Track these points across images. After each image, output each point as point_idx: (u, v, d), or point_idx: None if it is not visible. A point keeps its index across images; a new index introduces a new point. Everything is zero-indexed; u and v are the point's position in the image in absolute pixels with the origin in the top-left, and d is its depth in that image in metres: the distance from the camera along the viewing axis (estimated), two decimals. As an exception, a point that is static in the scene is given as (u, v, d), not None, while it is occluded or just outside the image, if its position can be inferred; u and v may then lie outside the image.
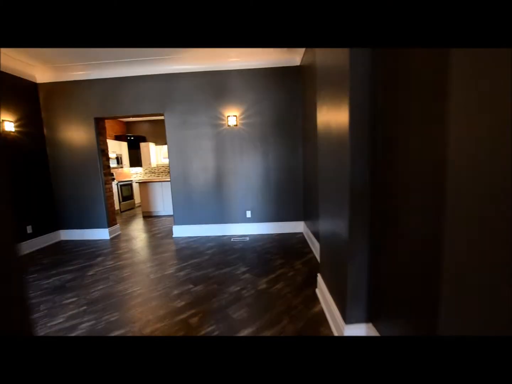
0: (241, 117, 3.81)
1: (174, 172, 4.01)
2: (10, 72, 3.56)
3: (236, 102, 3.80)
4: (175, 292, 2.29)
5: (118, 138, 7.67)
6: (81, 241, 4.13)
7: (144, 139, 8.12)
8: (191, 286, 2.39)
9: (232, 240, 3.76)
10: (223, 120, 3.82)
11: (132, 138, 7.84)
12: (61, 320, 1.95)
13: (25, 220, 3.69)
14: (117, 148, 7.21)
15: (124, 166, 7.52)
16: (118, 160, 7.26)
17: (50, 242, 4.07)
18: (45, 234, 4.01)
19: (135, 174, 8.36)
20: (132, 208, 7.30)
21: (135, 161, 7.98)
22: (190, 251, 3.37)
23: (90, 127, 3.98)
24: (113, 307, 2.10)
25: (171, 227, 4.04)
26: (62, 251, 3.65)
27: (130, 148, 7.84)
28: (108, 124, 7.25)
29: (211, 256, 3.13)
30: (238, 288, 2.30)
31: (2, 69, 3.44)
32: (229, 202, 3.98)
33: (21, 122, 3.69)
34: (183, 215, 4.07)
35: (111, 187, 4.36)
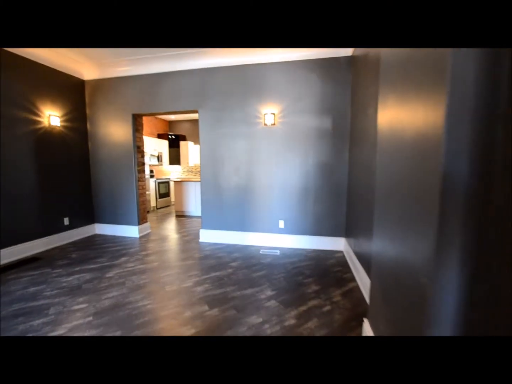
0: (280, 115, 3.40)
1: (205, 173, 3.77)
2: (61, 70, 3.70)
3: (275, 99, 3.40)
4: (187, 313, 1.97)
5: (160, 136, 7.88)
6: (112, 237, 4.14)
7: (184, 138, 8.22)
8: (206, 308, 2.04)
9: (260, 252, 3.36)
10: (259, 118, 3.45)
11: (173, 136, 7.99)
12: (63, 331, 1.77)
13: (63, 212, 3.80)
14: (158, 146, 7.38)
15: (163, 164, 7.68)
16: (159, 158, 7.43)
17: (85, 235, 4.16)
18: (81, 226, 4.11)
19: (174, 172, 8.53)
20: (168, 206, 7.40)
21: (175, 159, 8.12)
22: (214, 261, 3.06)
23: (128, 123, 3.96)
24: (118, 322, 1.86)
25: (199, 230, 3.83)
26: (92, 246, 3.66)
27: (170, 146, 8.00)
28: (151, 122, 7.47)
29: (235, 270, 2.78)
30: (260, 320, 1.88)
31: (53, 67, 3.59)
32: (261, 209, 3.59)
33: (67, 117, 3.82)
34: (211, 219, 3.81)
35: (145, 184, 4.32)
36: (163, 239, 4.01)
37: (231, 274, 2.69)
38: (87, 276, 2.65)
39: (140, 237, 4.10)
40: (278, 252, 3.33)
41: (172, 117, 7.86)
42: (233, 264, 2.95)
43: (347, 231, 3.29)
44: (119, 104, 3.99)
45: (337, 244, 3.43)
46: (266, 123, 3.39)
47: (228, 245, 3.64)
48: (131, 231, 4.16)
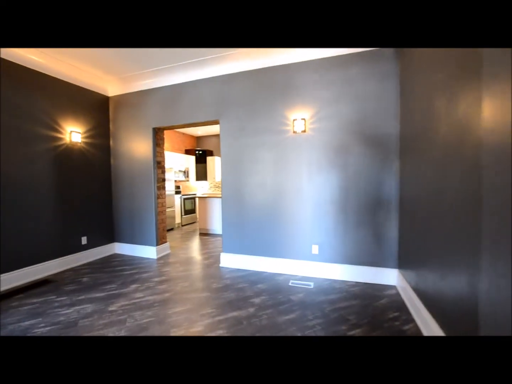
0: (311, 120, 2.90)
1: (226, 188, 3.36)
2: (85, 87, 3.68)
3: (305, 102, 2.92)
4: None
5: (187, 152, 7.82)
6: (129, 257, 3.87)
7: (211, 153, 8.08)
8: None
9: (290, 284, 2.77)
10: (287, 125, 2.99)
11: (200, 152, 7.89)
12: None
13: (81, 231, 3.63)
14: (185, 162, 7.29)
15: (190, 179, 7.55)
16: (186, 173, 7.32)
17: (103, 255, 3.95)
18: (99, 246, 3.92)
19: (201, 188, 8.36)
20: (194, 223, 7.14)
21: (202, 175, 7.97)
22: (233, 294, 2.55)
23: (148, 137, 3.78)
24: None
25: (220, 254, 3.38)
26: (106, 268, 3.40)
27: (197, 162, 7.89)
28: (179, 138, 7.46)
29: (258, 310, 2.23)
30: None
31: (78, 84, 3.57)
32: (290, 231, 3.04)
33: (90, 133, 3.74)
34: (233, 242, 3.34)
35: (164, 201, 4.05)
36: (182, 262, 3.62)
37: (252, 316, 2.14)
38: (89, 308, 2.31)
39: (158, 259, 3.76)
40: (311, 285, 2.71)
41: (199, 132, 7.79)
42: (256, 300, 2.41)
43: (401, 261, 2.57)
44: (140, 118, 3.84)
45: (388, 277, 2.71)
46: (295, 130, 2.91)
47: (252, 273, 3.11)
48: (149, 252, 3.86)
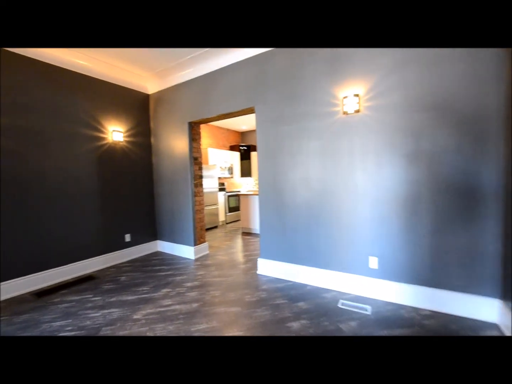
0: (367, 96, 2.24)
1: (263, 185, 2.95)
2: (126, 86, 3.70)
3: (359, 73, 2.27)
4: None
5: (232, 148, 7.68)
6: (169, 256, 3.81)
7: (256, 149, 7.77)
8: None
9: (340, 305, 2.21)
10: (335, 105, 2.39)
11: (244, 147, 7.65)
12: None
13: (125, 228, 3.69)
14: (229, 158, 7.15)
15: (234, 176, 7.39)
16: (230, 170, 7.18)
17: (146, 253, 3.99)
18: (143, 243, 3.96)
19: (245, 185, 8.16)
20: (238, 220, 6.95)
21: (246, 171, 7.74)
22: (268, 313, 2.13)
23: (184, 133, 3.61)
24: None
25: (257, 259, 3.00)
26: (146, 267, 3.36)
27: (242, 158, 7.68)
28: (224, 134, 7.34)
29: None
30: None
31: (120, 83, 3.60)
32: (341, 236, 2.46)
33: (131, 132, 3.77)
34: (272, 247, 2.91)
35: (202, 200, 3.86)
36: (218, 265, 3.37)
37: (288, 346, 1.69)
38: (116, 313, 2.19)
39: (196, 260, 3.60)
40: (368, 310, 2.10)
41: (244, 127, 7.55)
42: (295, 325, 1.94)
43: (507, 288, 1.76)
44: (176, 113, 3.70)
45: (484, 309, 1.91)
46: (345, 111, 2.30)
47: (293, 285, 2.63)
48: (187, 252, 3.73)
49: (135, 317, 2.12)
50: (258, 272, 3.00)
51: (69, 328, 1.99)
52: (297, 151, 2.64)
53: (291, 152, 2.68)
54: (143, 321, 2.05)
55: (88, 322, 2.06)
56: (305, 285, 2.61)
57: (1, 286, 2.55)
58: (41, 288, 2.77)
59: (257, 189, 7.71)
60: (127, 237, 3.73)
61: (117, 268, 3.36)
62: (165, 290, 2.62)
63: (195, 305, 2.29)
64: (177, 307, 2.27)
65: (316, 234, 2.57)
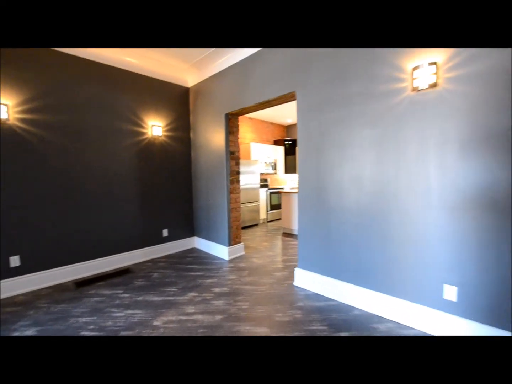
0: (449, 64, 1.61)
1: (304, 184, 2.51)
2: (166, 80, 3.65)
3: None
4: None
5: (276, 142, 7.30)
6: (204, 254, 3.68)
7: (301, 143, 7.24)
8: None
9: (398, 343, 1.67)
10: (401, 81, 1.81)
11: (289, 142, 7.20)
12: None
13: (162, 223, 3.68)
14: (273, 153, 6.80)
15: (278, 172, 7.01)
16: (274, 166, 6.84)
17: (183, 248, 3.94)
18: (180, 239, 3.92)
19: (290, 181, 7.71)
20: (280, 219, 6.58)
21: (291, 167, 7.29)
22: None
23: (221, 125, 3.39)
24: None
25: (295, 269, 2.59)
26: (179, 264, 3.27)
27: (287, 153, 7.25)
28: (268, 128, 7.01)
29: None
30: None
31: (160, 78, 3.56)
32: (403, 252, 1.89)
33: (170, 126, 3.72)
34: (312, 257, 2.47)
35: (238, 197, 3.60)
36: (252, 269, 3.07)
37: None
38: (138, 316, 2.07)
39: (229, 261, 3.38)
40: (442, 358, 1.53)
41: (289, 120, 7.08)
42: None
43: None
44: (213, 105, 3.50)
45: None
46: (416, 86, 1.71)
47: (336, 306, 2.17)
48: (221, 252, 3.54)
49: (155, 323, 1.96)
50: (295, 283, 2.60)
51: (91, 327, 1.93)
52: (346, 143, 2.14)
53: (338, 144, 2.19)
54: (162, 330, 1.87)
55: (109, 323, 1.98)
56: (352, 308, 2.12)
57: (50, 272, 2.71)
58: (82, 278, 2.89)
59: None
60: (165, 232, 3.72)
61: (153, 263, 3.36)
62: (191, 294, 2.43)
63: (218, 317, 2.03)
64: (199, 317, 2.04)
65: (369, 248, 2.04)
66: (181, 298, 2.37)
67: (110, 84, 3.10)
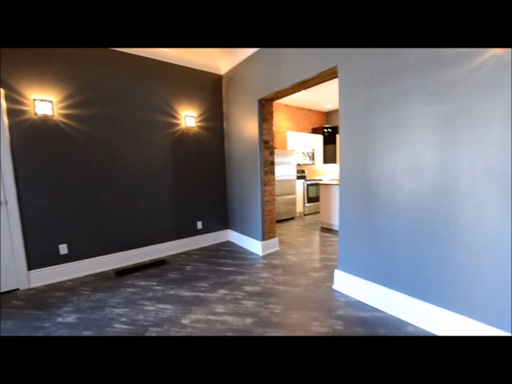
0: None
1: (345, 173, 2.18)
2: (199, 68, 3.54)
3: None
4: None
5: (314, 130, 6.84)
6: (238, 248, 3.58)
7: (343, 130, 6.66)
8: None
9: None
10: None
11: (329, 130, 6.67)
12: None
13: (197, 215, 3.66)
14: (311, 142, 6.38)
15: (316, 162, 6.58)
16: (312, 156, 6.43)
17: (217, 241, 3.89)
18: (214, 231, 3.88)
19: (329, 172, 7.21)
20: (318, 212, 6.20)
21: (331, 157, 6.77)
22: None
23: (254, 112, 3.17)
24: None
25: (335, 270, 2.29)
26: (212, 258, 3.22)
27: (326, 142, 6.74)
28: (306, 116, 6.59)
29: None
30: None
31: (192, 66, 3.47)
32: (477, 264, 1.48)
33: (203, 116, 3.63)
34: (355, 258, 2.15)
35: (273, 189, 3.38)
36: (286, 267, 2.86)
37: None
38: (167, 312, 2.03)
39: (263, 257, 3.21)
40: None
41: (329, 105, 6.54)
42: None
43: None
44: (246, 91, 3.29)
45: None
46: (510, 41, 1.26)
47: (385, 319, 1.84)
48: (254, 246, 3.39)
49: (183, 321, 1.89)
50: (335, 287, 2.31)
51: (123, 319, 1.93)
52: (401, 123, 1.74)
53: (391, 125, 1.80)
54: (189, 329, 1.78)
55: (140, 317, 1.97)
56: (404, 323, 1.77)
57: (93, 261, 2.86)
58: (122, 267, 3.00)
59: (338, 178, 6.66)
60: (199, 224, 3.70)
61: (187, 255, 3.36)
62: (222, 291, 2.32)
63: (248, 320, 1.87)
64: (229, 318, 1.91)
65: (430, 252, 1.66)
66: (211, 295, 2.27)
67: (144, 75, 3.08)
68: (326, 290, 2.29)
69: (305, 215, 6.00)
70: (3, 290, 2.47)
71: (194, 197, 3.61)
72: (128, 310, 2.07)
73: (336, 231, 4.35)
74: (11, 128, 2.40)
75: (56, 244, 2.68)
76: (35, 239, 2.57)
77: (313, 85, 2.60)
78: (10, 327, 1.88)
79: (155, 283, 2.55)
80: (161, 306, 2.12)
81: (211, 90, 3.70)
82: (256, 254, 3.30)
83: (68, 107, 2.65)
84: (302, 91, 4.70)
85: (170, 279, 2.63)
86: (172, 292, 2.35)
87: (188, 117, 3.44)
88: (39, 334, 1.78)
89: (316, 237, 4.10)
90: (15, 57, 2.36)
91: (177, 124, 3.39)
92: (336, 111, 6.88)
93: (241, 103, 3.41)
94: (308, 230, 4.53)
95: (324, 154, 6.79)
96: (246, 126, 3.34)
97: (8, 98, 2.38)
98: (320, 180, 6.38)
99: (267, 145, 3.25)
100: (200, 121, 3.60)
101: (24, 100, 2.44)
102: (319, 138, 6.61)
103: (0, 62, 2.29)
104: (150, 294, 2.33)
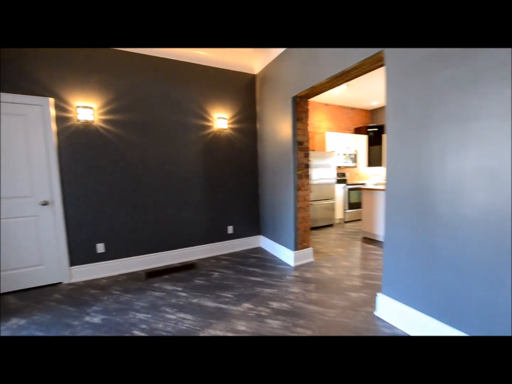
0: None
1: (394, 178, 1.81)
2: (232, 69, 3.46)
3: None
4: None
5: (357, 130, 6.29)
6: (269, 256, 3.37)
7: (391, 129, 5.98)
8: None
9: None
10: None
11: (374, 129, 6.06)
12: None
13: (227, 219, 3.56)
14: (353, 143, 5.87)
15: (359, 165, 6.03)
16: (354, 158, 5.91)
17: (248, 247, 3.74)
18: (246, 237, 3.74)
19: (374, 176, 6.55)
20: (360, 220, 5.64)
21: (376, 159, 6.14)
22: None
23: (288, 111, 2.95)
24: None
25: (377, 294, 1.90)
26: (241, 265, 3.07)
27: (371, 143, 6.14)
28: (347, 115, 6.10)
29: None
30: None
31: (226, 67, 3.40)
32: None
33: (236, 118, 3.53)
34: (404, 281, 1.76)
35: (307, 195, 3.10)
36: (320, 283, 2.55)
37: None
38: (187, 323, 1.92)
39: (295, 268, 2.95)
40: None
41: (374, 103, 5.94)
42: None
43: None
44: (279, 89, 3.08)
45: None
46: None
47: (444, 363, 1.44)
48: (286, 255, 3.14)
49: (201, 335, 1.75)
50: (377, 313, 1.95)
51: (143, 326, 1.88)
52: (471, 114, 1.35)
53: (457, 116, 1.41)
54: (206, 347, 1.63)
55: (160, 325, 1.89)
56: (475, 375, 1.35)
57: (126, 260, 2.95)
58: (152, 268, 3.04)
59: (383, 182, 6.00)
60: (230, 229, 3.59)
61: (217, 260, 3.27)
62: (246, 305, 2.14)
63: (271, 344, 1.65)
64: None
65: (506, 280, 1.23)
66: (234, 308, 2.10)
67: (178, 79, 3.10)
68: (366, 316, 1.93)
69: (345, 222, 5.51)
70: (49, 282, 2.66)
71: (225, 200, 3.52)
72: (149, 316, 2.02)
73: (381, 242, 3.84)
74: (58, 133, 2.59)
75: (94, 242, 2.81)
76: (76, 237, 2.73)
77: (353, 77, 2.27)
78: (45, 321, 1.98)
79: (180, 289, 2.49)
80: (181, 315, 2.02)
81: (244, 91, 3.58)
82: (287, 265, 3.05)
83: (107, 112, 2.77)
84: (344, 86, 4.30)
85: (195, 286, 2.55)
86: (195, 300, 2.25)
87: (220, 119, 3.37)
88: (66, 333, 1.82)
89: (357, 248, 3.66)
90: (63, 68, 2.54)
91: (209, 127, 3.35)
92: (382, 108, 6.22)
93: (274, 103, 3.21)
94: (348, 240, 4.10)
95: (369, 156, 6.19)
96: (279, 127, 3.13)
97: (56, 106, 2.56)
98: (363, 184, 5.82)
99: (301, 146, 2.98)
100: (232, 123, 3.50)
101: (69, 108, 2.61)
102: (363, 138, 6.04)
103: (0, 63, 2.32)
104: (173, 300, 2.27)
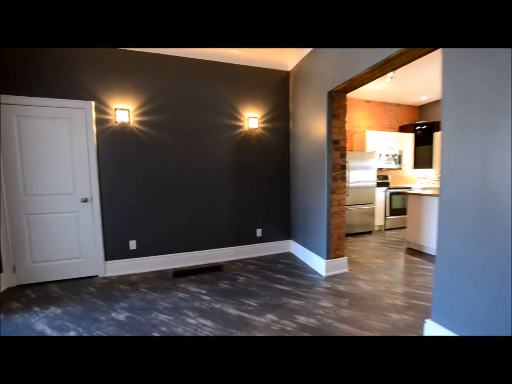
0: None
1: (451, 182, 1.49)
2: (264, 66, 3.34)
3: None
4: None
5: (402, 129, 5.70)
6: (299, 263, 3.17)
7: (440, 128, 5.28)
8: None
9: None
10: None
11: (422, 127, 5.42)
12: None
13: (256, 222, 3.45)
14: (397, 143, 5.33)
15: (403, 167, 5.45)
16: (398, 159, 5.36)
17: (277, 251, 3.58)
18: (275, 241, 3.58)
19: (421, 179, 5.88)
20: (403, 228, 5.08)
21: (424, 160, 5.50)
22: None
23: (322, 107, 2.72)
24: None
25: (426, 320, 1.58)
26: (268, 271, 2.91)
27: (418, 143, 5.51)
28: (391, 112, 5.57)
29: None
30: None
31: (257, 65, 3.30)
32: None
33: (267, 117, 3.40)
34: (463, 310, 1.44)
35: (343, 199, 2.83)
36: (356, 298, 2.28)
37: None
38: (207, 329, 1.83)
39: (326, 278, 2.70)
40: None
41: (424, 97, 5.32)
42: None
43: None
44: (313, 85, 2.87)
45: None
46: None
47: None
48: (317, 264, 2.91)
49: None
50: (425, 342, 1.63)
51: (163, 329, 1.84)
52: None
53: (547, 104, 1.08)
54: None
55: (180, 330, 1.83)
56: None
57: (159, 258, 3.00)
58: (180, 268, 3.05)
59: (437, 187, 5.34)
60: (258, 232, 3.47)
61: (243, 264, 3.17)
62: (269, 317, 1.98)
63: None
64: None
65: None
66: (257, 319, 1.96)
67: (210, 79, 3.08)
68: (411, 344, 1.63)
69: (385, 229, 5.01)
70: (87, 275, 2.82)
71: (255, 203, 3.41)
72: (171, 318, 1.98)
73: (429, 255, 3.36)
74: (97, 135, 2.73)
75: (127, 239, 2.91)
76: (112, 234, 2.85)
77: (399, 66, 1.98)
78: (77, 313, 2.06)
79: (204, 292, 2.43)
80: (202, 321, 1.94)
81: (277, 89, 3.44)
82: (318, 274, 2.81)
83: (141, 114, 2.85)
84: (387, 79, 3.89)
85: (220, 289, 2.47)
86: (217, 305, 2.17)
87: (252, 118, 3.27)
88: (92, 328, 1.86)
89: (400, 260, 3.25)
90: (103, 72, 2.68)
91: (240, 126, 3.27)
92: (433, 103, 5.54)
93: (308, 99, 3.01)
94: (389, 250, 3.67)
95: (415, 156, 5.56)
96: (313, 125, 2.92)
97: (97, 109, 2.71)
98: (409, 188, 5.23)
99: (337, 145, 2.73)
100: (263, 122, 3.38)
101: (108, 110, 2.74)
102: (409, 137, 5.44)
103: (50, 68, 2.51)
104: (196, 303, 2.21)
